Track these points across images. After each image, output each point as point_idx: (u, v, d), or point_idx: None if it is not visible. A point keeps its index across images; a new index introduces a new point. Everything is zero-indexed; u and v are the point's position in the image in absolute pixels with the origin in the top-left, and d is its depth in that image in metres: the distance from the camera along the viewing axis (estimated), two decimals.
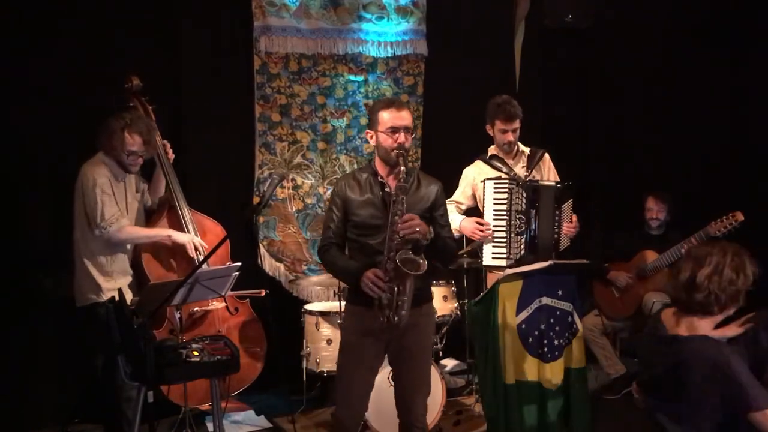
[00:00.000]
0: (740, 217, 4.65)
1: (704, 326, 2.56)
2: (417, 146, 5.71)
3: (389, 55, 5.49)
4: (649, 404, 2.65)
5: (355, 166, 5.51)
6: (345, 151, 5.50)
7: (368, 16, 5.42)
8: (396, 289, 3.02)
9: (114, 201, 3.89)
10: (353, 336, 3.21)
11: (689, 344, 2.51)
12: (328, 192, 5.43)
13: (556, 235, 4.09)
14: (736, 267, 2.53)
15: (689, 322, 2.58)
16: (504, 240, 4.05)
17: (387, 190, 3.17)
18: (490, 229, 4.06)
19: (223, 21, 5.05)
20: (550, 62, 5.97)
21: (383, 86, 5.56)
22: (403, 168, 3.12)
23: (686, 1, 5.65)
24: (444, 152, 5.64)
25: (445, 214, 3.33)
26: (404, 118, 3.18)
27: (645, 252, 5.12)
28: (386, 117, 3.16)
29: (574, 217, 4.19)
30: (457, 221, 4.10)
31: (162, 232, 4.08)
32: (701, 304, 2.52)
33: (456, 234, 4.10)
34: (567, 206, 4.15)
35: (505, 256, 4.06)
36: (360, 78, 5.48)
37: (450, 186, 4.25)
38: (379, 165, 3.25)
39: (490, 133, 4.25)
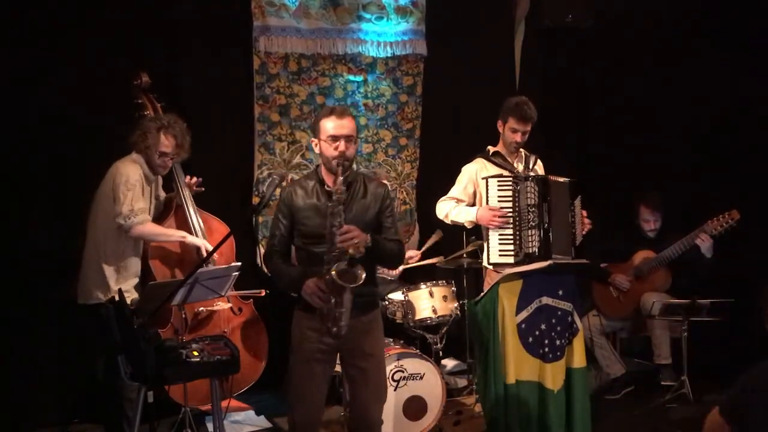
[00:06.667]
0: (737, 215, 4.66)
1: None
2: (416, 146, 5.71)
3: (389, 55, 5.48)
4: None
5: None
6: None
7: (368, 16, 5.41)
8: (333, 300, 2.97)
9: (144, 197, 3.88)
10: (305, 341, 3.19)
11: None
12: None
13: (574, 231, 4.06)
14: None
15: None
16: (510, 237, 3.97)
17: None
18: (504, 216, 3.94)
19: (222, 21, 5.05)
20: (550, 62, 5.97)
21: (382, 86, 5.56)
22: (341, 179, 3.04)
23: (686, 1, 5.65)
24: (443, 152, 5.64)
25: (392, 216, 3.26)
26: (345, 126, 3.09)
27: (642, 252, 5.12)
28: (327, 126, 3.10)
29: (584, 213, 4.15)
30: (472, 212, 4.03)
31: (178, 233, 4.06)
32: None
33: (469, 225, 4.13)
34: (578, 202, 4.11)
35: (513, 252, 3.96)
36: (359, 78, 5.48)
37: (448, 185, 4.24)
38: (325, 173, 3.17)
39: (500, 129, 4.13)
